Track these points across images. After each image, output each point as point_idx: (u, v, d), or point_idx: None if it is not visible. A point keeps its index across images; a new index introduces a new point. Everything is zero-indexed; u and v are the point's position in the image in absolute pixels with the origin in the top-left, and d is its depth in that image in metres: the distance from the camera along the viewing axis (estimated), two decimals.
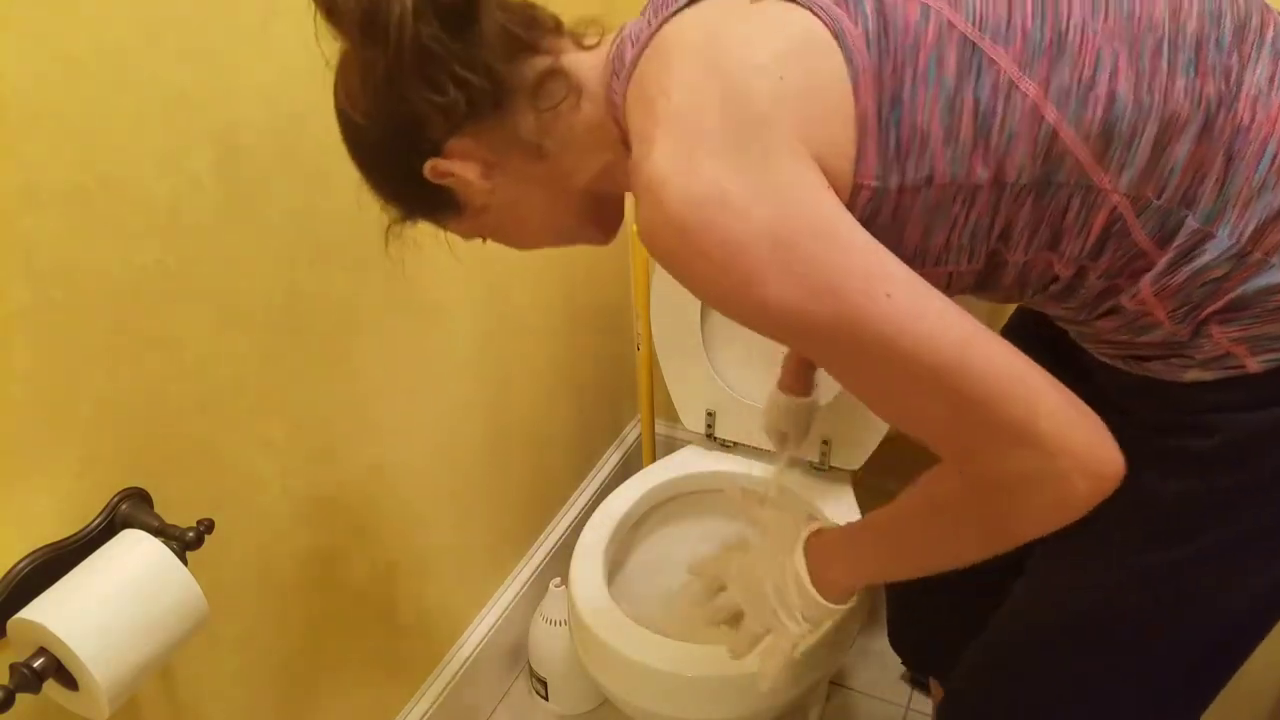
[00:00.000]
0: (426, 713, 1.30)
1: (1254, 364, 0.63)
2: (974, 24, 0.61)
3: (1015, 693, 0.83)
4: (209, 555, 0.86)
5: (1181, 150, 0.60)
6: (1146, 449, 0.65)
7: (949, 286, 0.70)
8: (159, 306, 0.81)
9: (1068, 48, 0.60)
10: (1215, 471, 0.67)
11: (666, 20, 0.65)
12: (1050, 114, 0.60)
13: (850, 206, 0.61)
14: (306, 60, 0.90)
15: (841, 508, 1.33)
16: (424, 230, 0.76)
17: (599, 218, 0.78)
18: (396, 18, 0.61)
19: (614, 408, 1.76)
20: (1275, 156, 0.60)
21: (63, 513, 0.77)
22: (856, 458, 1.36)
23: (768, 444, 1.22)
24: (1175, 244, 0.62)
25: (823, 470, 1.39)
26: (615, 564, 1.31)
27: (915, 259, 0.66)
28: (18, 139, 0.68)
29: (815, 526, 0.81)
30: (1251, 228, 0.61)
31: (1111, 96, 0.60)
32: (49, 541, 0.76)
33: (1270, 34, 0.63)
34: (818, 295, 0.57)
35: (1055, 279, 0.68)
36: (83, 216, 0.73)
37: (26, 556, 0.74)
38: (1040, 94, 0.60)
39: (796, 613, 0.78)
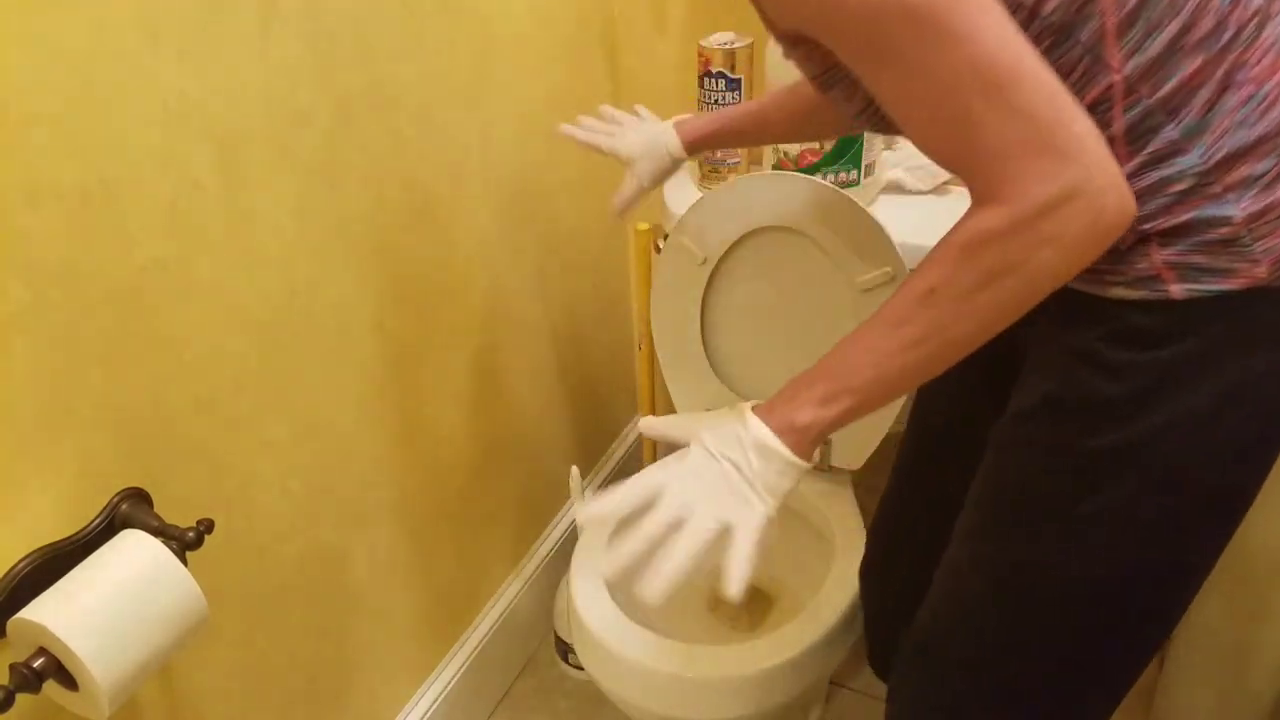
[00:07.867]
0: (427, 713, 1.31)
1: (1178, 290, 0.67)
2: None
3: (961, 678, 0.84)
4: (209, 555, 0.86)
5: (1189, 62, 0.64)
6: (1062, 411, 0.72)
7: None
8: (159, 306, 0.81)
9: None
10: (1131, 421, 0.70)
11: None
12: None
13: None
14: (307, 60, 0.91)
15: (842, 507, 1.33)
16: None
17: None
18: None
19: (614, 408, 1.76)
20: (1264, 99, 0.64)
21: (62, 513, 0.77)
22: (856, 458, 1.36)
23: None
24: (1149, 149, 0.65)
25: (823, 470, 1.38)
26: None
27: None
28: (18, 139, 0.68)
29: (751, 403, 0.74)
30: (1221, 155, 0.64)
31: None
32: (49, 541, 0.76)
33: None
34: None
35: None
36: (83, 216, 0.73)
37: (26, 556, 0.74)
38: None
39: (759, 485, 0.70)
